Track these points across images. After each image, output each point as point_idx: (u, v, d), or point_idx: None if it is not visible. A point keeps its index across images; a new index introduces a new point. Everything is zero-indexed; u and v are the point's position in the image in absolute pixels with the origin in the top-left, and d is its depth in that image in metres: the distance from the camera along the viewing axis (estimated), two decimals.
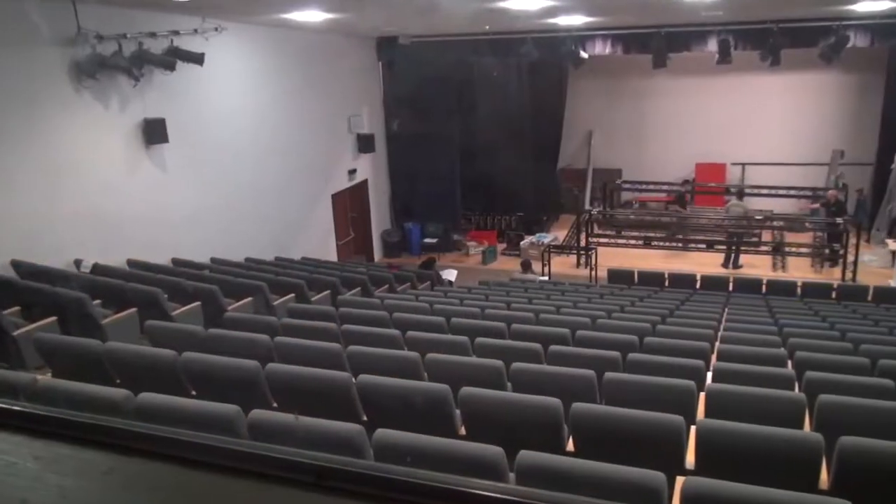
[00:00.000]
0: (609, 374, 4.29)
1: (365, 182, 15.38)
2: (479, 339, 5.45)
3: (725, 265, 14.13)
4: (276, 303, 7.74)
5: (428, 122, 15.69)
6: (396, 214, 16.79)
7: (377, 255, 16.08)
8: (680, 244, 14.83)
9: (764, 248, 14.49)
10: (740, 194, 15.08)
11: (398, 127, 16.13)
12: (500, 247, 16.40)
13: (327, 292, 8.60)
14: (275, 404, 4.14)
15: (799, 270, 13.60)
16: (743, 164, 17.86)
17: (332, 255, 13.88)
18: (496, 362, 4.53)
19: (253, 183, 11.28)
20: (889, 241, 14.07)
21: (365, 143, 14.87)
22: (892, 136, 15.19)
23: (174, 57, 8.85)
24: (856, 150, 16.51)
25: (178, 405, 3.33)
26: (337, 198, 14.21)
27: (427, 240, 16.17)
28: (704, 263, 13.94)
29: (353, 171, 14.73)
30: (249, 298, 7.53)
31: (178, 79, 9.13)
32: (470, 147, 16.52)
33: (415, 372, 4.59)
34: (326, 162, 13.76)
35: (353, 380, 4.02)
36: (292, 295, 8.08)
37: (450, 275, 12.79)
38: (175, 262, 9.25)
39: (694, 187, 17.63)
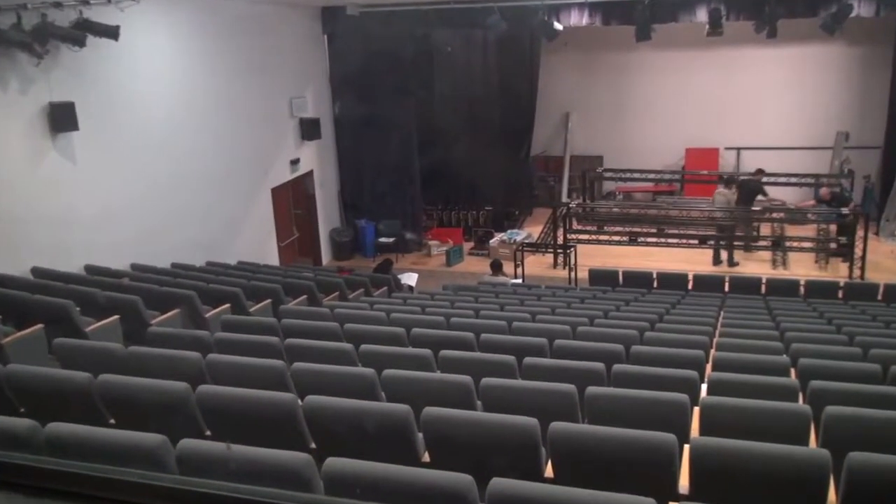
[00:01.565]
0: (592, 389, 4.33)
1: (310, 174, 15.29)
2: (444, 353, 5.45)
3: (715, 262, 14.33)
4: (208, 315, 7.68)
5: (381, 105, 15.62)
6: (347, 210, 16.71)
7: (325, 257, 16.01)
8: (675, 239, 14.97)
9: (762, 242, 14.72)
10: (729, 181, 15.02)
11: (341, 110, 16.04)
12: (467, 246, 16.45)
13: (268, 301, 8.55)
14: (208, 432, 4.11)
15: (801, 268, 13.87)
16: (738, 149, 18.17)
17: (274, 259, 13.78)
18: (464, 378, 4.54)
19: (179, 176, 11.11)
20: None
21: (309, 129, 14.77)
22: None
23: (84, 30, 8.67)
24: (862, 131, 16.91)
25: (95, 436, 3.28)
26: (278, 192, 14.09)
27: (382, 239, 16.13)
28: (696, 262, 14.15)
29: (296, 161, 14.63)
30: (177, 310, 7.46)
31: (89, 56, 8.96)
32: (430, 133, 16.51)
33: (370, 391, 4.58)
34: (265, 151, 13.64)
35: (300, 402, 4.00)
36: (227, 305, 8.02)
37: (409, 279, 12.78)
38: (88, 269, 9.10)
39: (683, 175, 17.88)
